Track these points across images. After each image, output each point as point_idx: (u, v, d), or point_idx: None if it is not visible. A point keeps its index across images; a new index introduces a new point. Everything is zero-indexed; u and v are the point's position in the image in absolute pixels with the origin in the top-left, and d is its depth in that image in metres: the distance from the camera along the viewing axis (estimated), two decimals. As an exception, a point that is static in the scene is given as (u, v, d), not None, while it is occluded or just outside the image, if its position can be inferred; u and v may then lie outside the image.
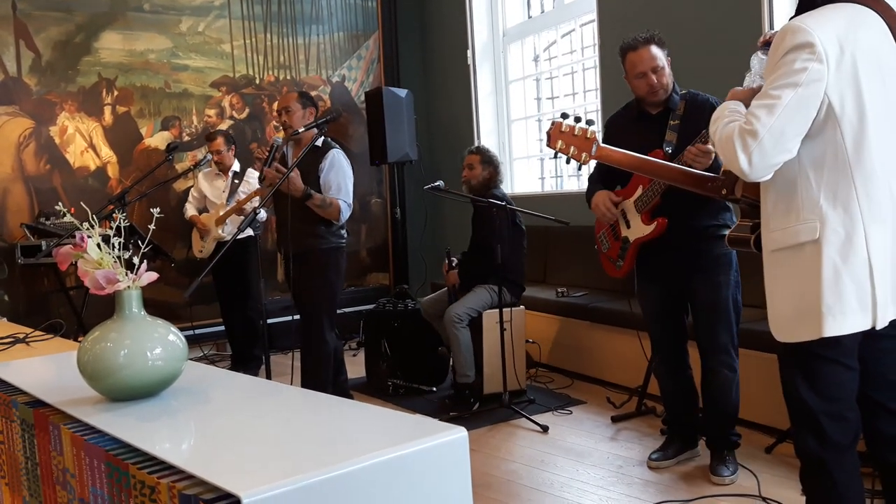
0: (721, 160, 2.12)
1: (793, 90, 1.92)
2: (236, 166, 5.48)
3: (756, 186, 2.20)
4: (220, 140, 5.44)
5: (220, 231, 5.33)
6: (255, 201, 5.01)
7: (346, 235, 4.30)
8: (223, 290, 5.59)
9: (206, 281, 5.07)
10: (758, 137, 1.94)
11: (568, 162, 2.91)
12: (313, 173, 4.11)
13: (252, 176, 5.27)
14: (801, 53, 1.92)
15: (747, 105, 2.17)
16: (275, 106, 6.38)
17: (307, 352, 4.21)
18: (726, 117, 2.11)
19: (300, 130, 4.03)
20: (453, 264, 4.83)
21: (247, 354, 5.57)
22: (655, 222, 3.26)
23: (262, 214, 4.84)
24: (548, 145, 2.89)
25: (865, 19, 1.98)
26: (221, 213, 5.28)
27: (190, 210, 5.58)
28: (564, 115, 2.90)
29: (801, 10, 2.07)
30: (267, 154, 4.11)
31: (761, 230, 2.15)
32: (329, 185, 4.12)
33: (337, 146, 4.24)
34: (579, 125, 2.84)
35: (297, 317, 4.25)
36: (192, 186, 6.07)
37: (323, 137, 4.16)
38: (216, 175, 5.53)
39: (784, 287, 2.06)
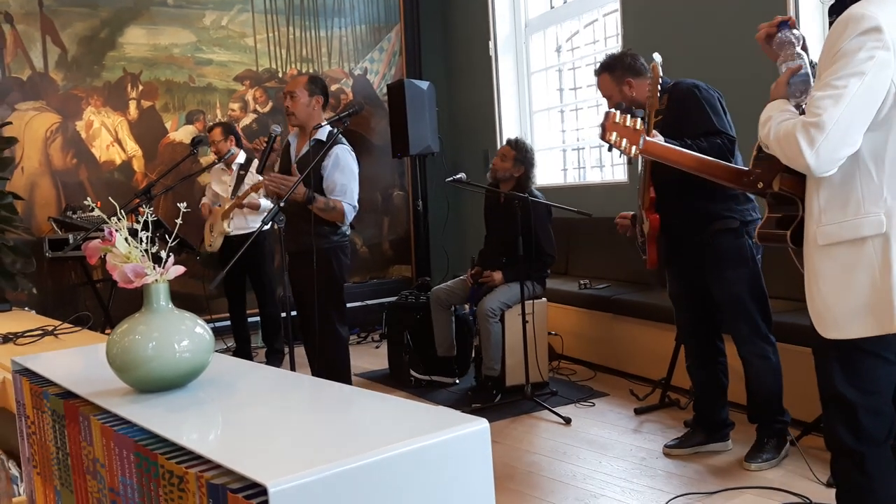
0: (783, 159, 2.02)
1: (859, 79, 1.83)
2: (241, 158, 5.41)
3: (796, 180, 2.15)
4: (217, 130, 5.43)
5: (225, 225, 5.32)
6: (261, 192, 4.99)
7: (348, 233, 4.10)
8: (232, 285, 5.51)
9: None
10: (824, 130, 1.85)
11: (620, 155, 2.90)
12: (316, 171, 3.89)
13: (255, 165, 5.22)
14: (866, 41, 1.83)
15: (786, 96, 2.14)
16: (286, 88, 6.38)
17: (322, 350, 4.08)
18: (777, 116, 2.03)
19: (323, 124, 3.97)
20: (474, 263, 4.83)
21: (269, 348, 5.62)
22: (650, 217, 3.32)
23: (263, 204, 4.86)
24: (602, 138, 2.84)
25: None
26: (227, 207, 5.29)
27: (204, 201, 5.63)
28: (619, 106, 2.88)
29: None
30: (265, 144, 4.01)
31: (808, 224, 2.07)
32: (333, 186, 3.89)
33: (343, 142, 4.00)
34: (630, 116, 2.81)
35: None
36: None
37: (329, 129, 3.96)
38: (222, 171, 5.52)
39: (840, 282, 1.98)
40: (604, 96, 3.49)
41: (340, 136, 3.99)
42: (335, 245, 3.99)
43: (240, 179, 5.27)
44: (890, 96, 1.88)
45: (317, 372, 4.14)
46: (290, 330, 3.69)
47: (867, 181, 1.92)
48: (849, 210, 1.94)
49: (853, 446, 2.08)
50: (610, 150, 2.91)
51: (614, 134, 2.78)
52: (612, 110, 2.83)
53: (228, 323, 5.65)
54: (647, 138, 2.80)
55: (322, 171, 3.89)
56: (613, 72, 3.40)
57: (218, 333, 5.73)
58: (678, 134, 3.12)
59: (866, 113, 1.86)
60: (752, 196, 3.29)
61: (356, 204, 3.99)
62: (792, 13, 4.21)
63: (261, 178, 4.41)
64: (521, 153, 4.67)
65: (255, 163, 5.23)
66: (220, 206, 5.49)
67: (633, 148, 2.77)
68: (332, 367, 4.10)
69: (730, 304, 3.32)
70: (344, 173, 3.92)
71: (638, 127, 2.77)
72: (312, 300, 4.00)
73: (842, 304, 1.98)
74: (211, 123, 5.80)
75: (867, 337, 1.98)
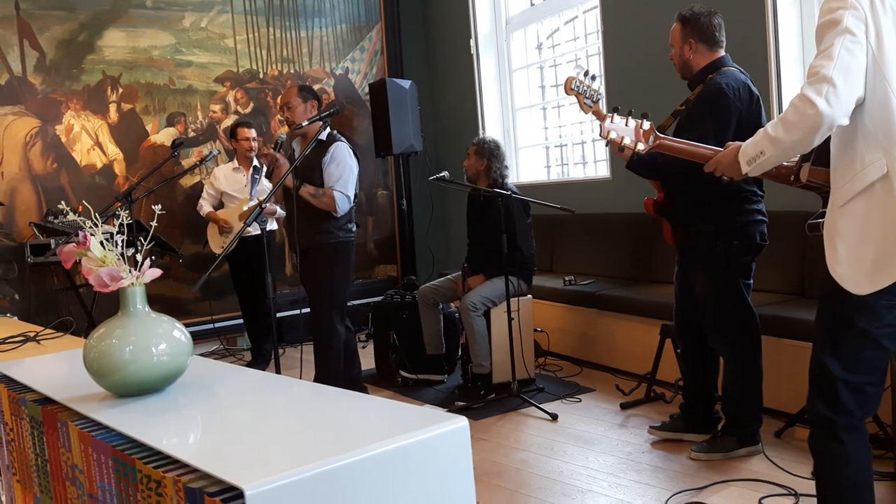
0: (792, 137, 2.08)
1: (841, 36, 1.98)
2: (256, 160, 5.50)
3: (824, 171, 2.20)
4: (254, 130, 5.55)
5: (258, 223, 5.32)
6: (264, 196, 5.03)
7: (354, 230, 4.28)
8: (242, 286, 5.64)
9: (215, 275, 5.10)
10: (828, 79, 1.97)
11: (621, 150, 2.89)
12: (317, 167, 4.11)
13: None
14: (837, 9, 2.00)
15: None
16: (279, 100, 6.41)
17: (318, 346, 4.22)
18: (765, 128, 2.17)
19: (304, 124, 4.04)
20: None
21: (256, 349, 5.61)
22: (647, 201, 3.45)
23: (279, 212, 4.95)
24: (599, 136, 2.88)
25: None
26: (245, 209, 5.28)
27: (206, 207, 5.61)
28: (615, 109, 2.86)
29: None
30: (271, 151, 4.15)
31: (831, 197, 2.13)
32: (328, 177, 4.10)
33: (342, 139, 4.23)
34: (632, 118, 2.79)
35: (305, 310, 4.27)
36: (199, 182, 6.10)
37: (328, 130, 4.15)
38: (235, 170, 5.56)
39: (861, 235, 2.03)
40: (669, 44, 3.40)
41: (339, 134, 4.25)
42: (342, 241, 4.19)
43: (255, 183, 5.29)
44: (869, 53, 1.99)
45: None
46: (275, 332, 3.69)
47: (863, 134, 2.02)
48: (856, 164, 2.04)
49: (828, 416, 2.14)
50: (607, 145, 2.94)
51: (613, 133, 2.78)
52: (610, 113, 2.82)
53: (221, 324, 5.70)
54: (660, 135, 2.77)
55: (322, 165, 4.11)
56: (685, 26, 3.31)
57: (219, 333, 5.80)
58: (682, 129, 3.18)
59: (857, 58, 1.99)
60: (738, 198, 3.24)
61: (350, 194, 4.13)
62: (770, 11, 4.23)
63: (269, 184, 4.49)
64: (480, 147, 4.75)
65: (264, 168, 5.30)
66: (223, 206, 5.53)
67: (640, 144, 2.76)
68: (322, 367, 4.15)
69: (701, 300, 3.38)
70: (338, 165, 4.11)
71: (646, 127, 2.76)
72: (315, 296, 4.17)
73: (863, 257, 2.03)
74: (238, 120, 5.88)
75: (863, 315, 2.04)
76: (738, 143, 2.39)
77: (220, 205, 5.60)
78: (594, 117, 3.18)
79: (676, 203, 3.36)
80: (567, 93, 3.12)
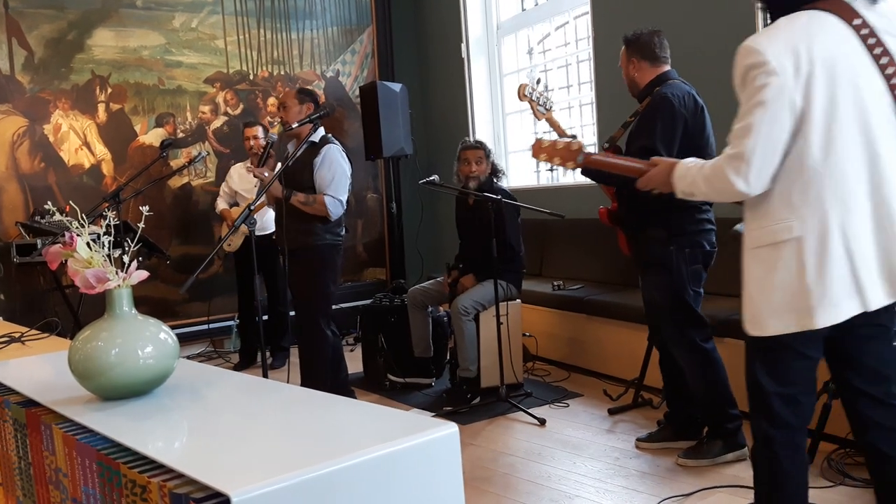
0: (717, 196, 2.20)
1: (761, 108, 1.99)
2: None
3: None
4: (259, 128, 5.54)
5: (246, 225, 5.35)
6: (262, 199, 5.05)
7: (342, 233, 4.26)
8: (244, 287, 5.64)
9: (202, 277, 5.10)
10: (744, 158, 2.02)
11: (551, 170, 2.99)
12: (308, 169, 4.09)
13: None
14: (755, 72, 2.00)
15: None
16: (269, 101, 6.41)
17: (305, 350, 4.21)
18: (694, 166, 2.21)
19: (293, 126, 4.05)
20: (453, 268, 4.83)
21: (275, 346, 5.67)
22: (601, 210, 3.57)
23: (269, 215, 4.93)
24: (532, 156, 2.93)
25: (823, 23, 2.01)
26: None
27: (221, 204, 5.68)
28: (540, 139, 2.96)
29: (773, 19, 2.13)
30: (262, 150, 4.15)
31: (744, 232, 2.20)
32: (320, 181, 4.08)
33: (335, 142, 4.21)
34: (562, 140, 2.86)
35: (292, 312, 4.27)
36: (187, 183, 6.08)
37: (321, 133, 4.14)
38: (248, 169, 5.57)
39: (763, 282, 2.10)
40: (619, 66, 3.57)
41: (331, 136, 4.22)
42: (330, 243, 4.16)
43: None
44: (796, 114, 1.99)
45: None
46: (262, 334, 3.67)
47: (780, 191, 2.06)
48: (768, 217, 2.09)
49: (767, 431, 2.20)
50: (541, 164, 3.03)
51: (543, 154, 2.84)
52: (539, 138, 2.90)
53: (198, 329, 5.67)
54: (587, 152, 2.79)
55: (313, 167, 4.08)
56: (629, 47, 3.48)
57: (209, 335, 5.82)
58: (632, 138, 3.29)
59: (777, 133, 2.00)
60: (688, 207, 3.28)
61: (342, 198, 4.11)
62: (761, 24, 4.25)
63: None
64: (486, 149, 4.74)
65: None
66: (238, 205, 5.57)
67: (570, 163, 2.82)
68: (310, 371, 4.14)
69: (648, 305, 3.48)
70: (329, 168, 4.08)
71: (573, 147, 2.79)
72: (301, 298, 4.17)
73: (764, 303, 2.11)
74: (252, 120, 5.87)
75: (788, 333, 2.09)
76: (668, 160, 2.40)
77: (235, 203, 5.63)
78: (548, 125, 3.29)
79: (630, 210, 3.43)
80: (520, 99, 3.24)
